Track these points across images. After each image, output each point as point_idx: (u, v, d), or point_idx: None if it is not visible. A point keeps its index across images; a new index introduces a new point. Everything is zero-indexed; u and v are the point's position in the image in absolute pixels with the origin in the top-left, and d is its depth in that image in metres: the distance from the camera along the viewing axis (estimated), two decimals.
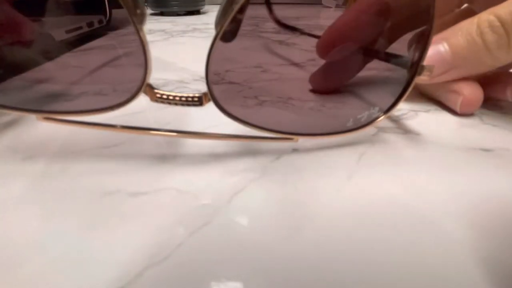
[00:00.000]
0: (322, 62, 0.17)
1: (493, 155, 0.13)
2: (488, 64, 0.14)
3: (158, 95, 0.11)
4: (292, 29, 0.17)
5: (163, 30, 0.46)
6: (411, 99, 0.19)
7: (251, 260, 0.08)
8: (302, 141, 0.14)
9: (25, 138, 0.14)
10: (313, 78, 0.16)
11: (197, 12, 0.71)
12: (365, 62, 0.16)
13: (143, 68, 0.10)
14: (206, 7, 0.76)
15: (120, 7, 0.09)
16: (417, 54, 0.12)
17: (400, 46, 0.14)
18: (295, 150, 0.13)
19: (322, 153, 0.13)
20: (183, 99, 0.11)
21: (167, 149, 0.13)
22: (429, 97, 0.18)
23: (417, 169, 0.12)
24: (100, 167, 0.12)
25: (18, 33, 0.15)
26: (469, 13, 0.16)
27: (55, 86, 0.17)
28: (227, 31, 0.10)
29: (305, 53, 0.32)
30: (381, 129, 0.15)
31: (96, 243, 0.09)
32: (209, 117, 0.15)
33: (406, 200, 0.10)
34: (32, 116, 0.12)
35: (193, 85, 0.22)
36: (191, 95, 0.11)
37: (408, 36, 0.13)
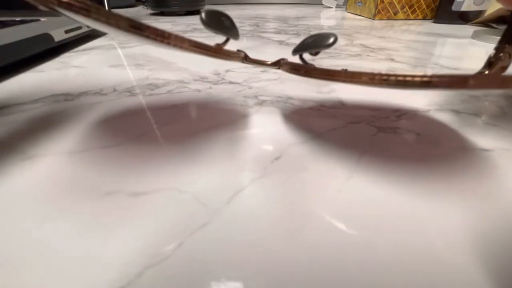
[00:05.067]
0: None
1: (493, 155, 0.13)
2: None
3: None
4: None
5: None
6: (411, 99, 0.19)
7: (250, 260, 0.08)
8: (302, 142, 0.14)
9: (25, 138, 0.14)
10: None
11: (197, 12, 0.71)
12: None
13: None
14: (206, 7, 0.76)
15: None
16: None
17: None
18: (294, 151, 0.13)
19: (322, 153, 0.13)
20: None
21: (167, 149, 0.13)
22: None
23: (417, 169, 0.12)
24: (100, 167, 0.12)
25: None
26: None
27: None
28: None
29: None
30: (381, 129, 0.15)
31: (96, 243, 0.09)
32: None
33: (406, 200, 0.10)
34: (32, 116, 0.11)
35: (193, 85, 0.22)
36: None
37: None
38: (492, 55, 0.11)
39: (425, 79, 0.08)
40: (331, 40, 0.12)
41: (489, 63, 0.11)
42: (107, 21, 0.08)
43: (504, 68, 0.11)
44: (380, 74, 0.09)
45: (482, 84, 0.08)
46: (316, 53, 0.13)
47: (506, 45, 0.11)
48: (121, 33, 0.09)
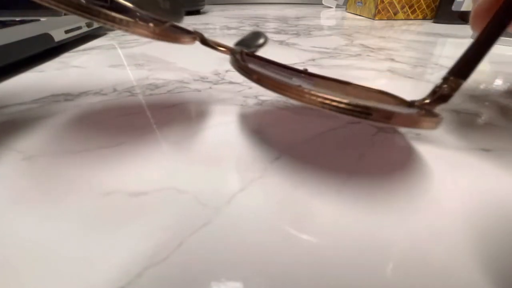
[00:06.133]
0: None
1: (493, 155, 0.13)
2: None
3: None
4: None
5: None
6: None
7: (250, 260, 0.08)
8: (301, 142, 0.14)
9: (25, 138, 0.14)
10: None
11: (197, 12, 0.71)
12: None
13: None
14: (206, 7, 0.76)
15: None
16: None
17: None
18: (294, 151, 0.13)
19: (322, 153, 0.13)
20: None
21: (167, 149, 0.13)
22: None
23: (418, 169, 0.12)
24: (100, 167, 0.12)
25: None
26: None
27: None
28: None
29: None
30: (381, 129, 0.15)
31: (96, 243, 0.09)
32: None
33: (406, 200, 0.10)
34: (32, 116, 0.11)
35: (193, 85, 0.22)
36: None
37: None
38: (438, 84, 0.11)
39: (358, 109, 0.08)
40: (261, 41, 0.12)
41: (434, 92, 0.11)
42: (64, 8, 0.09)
43: (446, 99, 0.11)
44: (323, 98, 0.09)
45: (399, 122, 0.09)
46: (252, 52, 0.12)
47: (451, 78, 0.11)
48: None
